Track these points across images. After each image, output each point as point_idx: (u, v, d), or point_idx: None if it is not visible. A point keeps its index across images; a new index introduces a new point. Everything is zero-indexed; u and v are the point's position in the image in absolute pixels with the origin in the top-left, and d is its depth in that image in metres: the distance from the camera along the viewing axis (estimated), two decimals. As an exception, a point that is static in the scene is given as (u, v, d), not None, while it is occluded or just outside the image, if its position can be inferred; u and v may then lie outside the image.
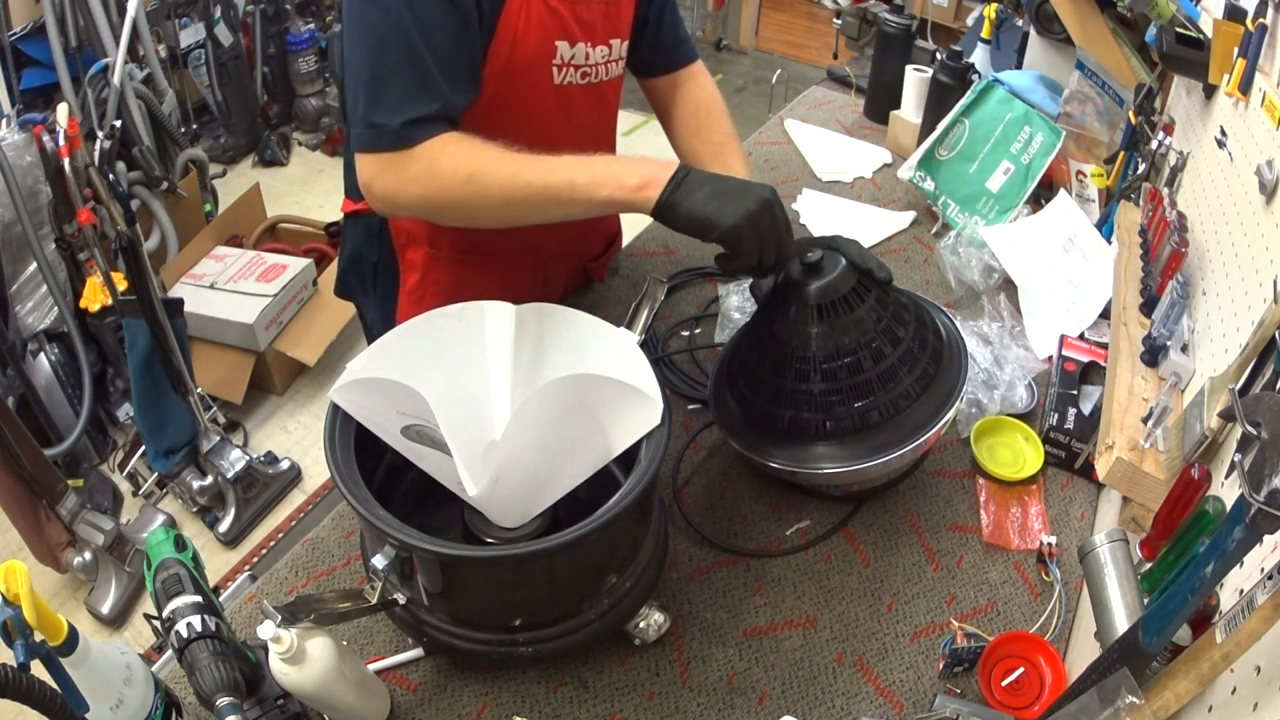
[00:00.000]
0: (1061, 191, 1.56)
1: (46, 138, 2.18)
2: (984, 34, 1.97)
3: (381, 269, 1.29)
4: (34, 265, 2.28)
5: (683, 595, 1.02)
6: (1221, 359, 1.00)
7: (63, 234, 2.29)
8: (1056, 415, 1.18)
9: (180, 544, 0.81)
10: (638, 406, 0.85)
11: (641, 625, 0.94)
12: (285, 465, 2.50)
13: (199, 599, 0.76)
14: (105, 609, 2.12)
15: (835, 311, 0.95)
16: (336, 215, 1.33)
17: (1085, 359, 1.25)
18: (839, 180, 1.79)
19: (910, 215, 1.67)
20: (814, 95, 2.15)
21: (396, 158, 0.96)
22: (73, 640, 0.67)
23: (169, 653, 0.77)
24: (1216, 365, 1.00)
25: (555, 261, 1.37)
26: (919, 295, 1.11)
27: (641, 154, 0.96)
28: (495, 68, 1.04)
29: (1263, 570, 0.62)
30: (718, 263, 0.94)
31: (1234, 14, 1.16)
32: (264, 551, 2.29)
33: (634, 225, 1.61)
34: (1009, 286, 1.45)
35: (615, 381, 0.83)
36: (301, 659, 0.74)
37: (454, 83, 0.98)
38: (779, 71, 3.53)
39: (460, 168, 0.95)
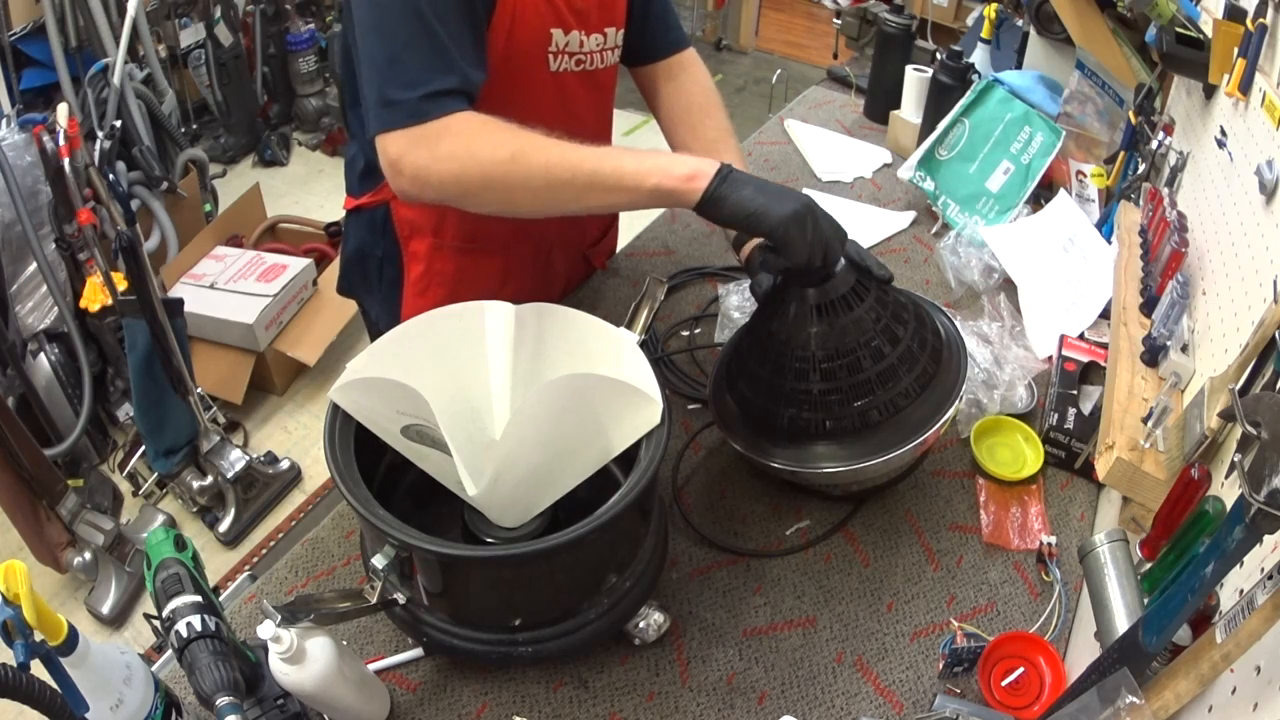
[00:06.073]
0: (1061, 191, 1.56)
1: (46, 138, 2.17)
2: (984, 34, 1.97)
3: (386, 263, 1.29)
4: (34, 265, 2.28)
5: (683, 595, 1.02)
6: (1221, 359, 1.00)
7: (63, 234, 2.29)
8: (1056, 415, 1.18)
9: (180, 544, 0.81)
10: (638, 406, 0.85)
11: (641, 625, 0.94)
12: (285, 465, 2.50)
13: (199, 599, 0.76)
14: (105, 609, 2.12)
15: (835, 311, 0.95)
16: (337, 215, 1.34)
17: (1085, 359, 1.25)
18: (839, 180, 1.79)
19: (910, 215, 1.67)
20: (814, 95, 2.15)
21: (425, 134, 0.94)
22: (73, 640, 0.67)
23: (169, 653, 0.77)
24: (1216, 365, 1.00)
25: (556, 248, 1.38)
26: (918, 295, 1.11)
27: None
28: (493, 55, 1.04)
29: (1263, 570, 0.62)
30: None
31: (1234, 14, 1.16)
32: (264, 551, 2.30)
33: (634, 224, 1.62)
34: (1009, 286, 1.45)
35: (615, 381, 0.83)
36: (301, 659, 0.74)
37: (468, 59, 0.98)
38: (779, 71, 3.53)
39: (503, 145, 0.93)
